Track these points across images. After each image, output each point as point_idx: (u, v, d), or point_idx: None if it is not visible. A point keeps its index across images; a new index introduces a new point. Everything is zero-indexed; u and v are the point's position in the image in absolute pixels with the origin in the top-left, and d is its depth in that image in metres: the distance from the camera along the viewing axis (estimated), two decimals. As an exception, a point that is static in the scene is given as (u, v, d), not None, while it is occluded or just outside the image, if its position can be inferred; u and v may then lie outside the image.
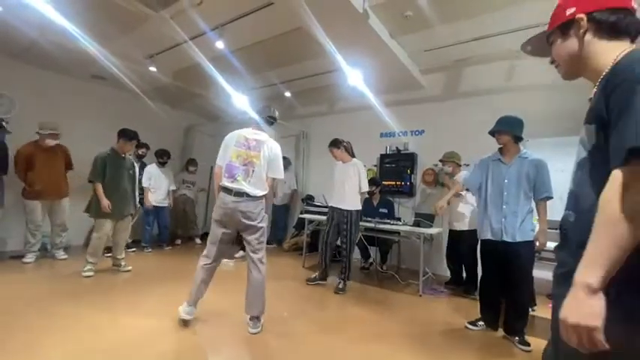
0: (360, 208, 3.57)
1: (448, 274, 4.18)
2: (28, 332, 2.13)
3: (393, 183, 5.02)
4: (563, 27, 0.84)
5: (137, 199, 4.10)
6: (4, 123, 3.96)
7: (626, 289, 0.67)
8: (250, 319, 2.38)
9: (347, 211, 3.49)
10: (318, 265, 3.75)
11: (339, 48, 3.61)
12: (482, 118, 4.14)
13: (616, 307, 0.66)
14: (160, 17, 3.40)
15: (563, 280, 0.76)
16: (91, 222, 3.84)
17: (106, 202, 3.50)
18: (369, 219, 4.02)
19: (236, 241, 5.12)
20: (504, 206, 2.41)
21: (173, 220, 5.63)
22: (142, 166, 4.90)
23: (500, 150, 2.57)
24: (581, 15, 0.79)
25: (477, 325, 2.64)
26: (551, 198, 2.38)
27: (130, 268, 3.77)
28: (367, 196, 4.59)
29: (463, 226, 3.64)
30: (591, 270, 0.66)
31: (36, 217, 3.96)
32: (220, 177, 2.41)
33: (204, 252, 2.42)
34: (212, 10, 3.20)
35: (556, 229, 3.07)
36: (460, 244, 3.68)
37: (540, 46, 0.95)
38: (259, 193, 2.39)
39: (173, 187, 5.31)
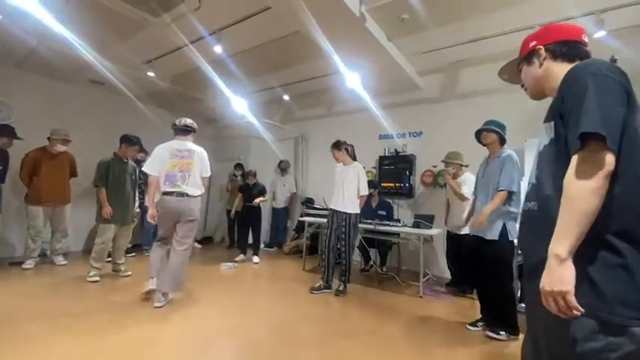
0: (358, 211, 3.53)
1: (448, 275, 4.19)
2: (29, 342, 2.13)
3: (392, 185, 5.03)
4: (528, 56, 1.05)
5: (137, 204, 4.11)
6: (15, 130, 3.98)
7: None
8: (162, 295, 2.79)
9: (346, 214, 3.46)
10: (322, 271, 3.66)
11: (336, 51, 3.64)
12: (479, 118, 4.11)
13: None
14: (159, 23, 3.42)
15: (535, 271, 0.84)
16: (89, 228, 3.84)
17: (108, 209, 3.53)
18: (369, 221, 4.03)
19: (237, 245, 5.18)
20: (478, 202, 2.56)
21: None
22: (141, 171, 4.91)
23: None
24: (540, 46, 1.01)
25: (477, 326, 2.65)
26: (509, 192, 2.38)
27: (129, 273, 3.77)
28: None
29: (467, 229, 3.63)
30: (559, 242, 0.77)
31: (38, 222, 3.96)
32: (157, 185, 2.91)
33: (158, 236, 2.99)
34: (210, 14, 3.22)
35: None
36: (462, 247, 3.66)
37: (513, 74, 1.16)
38: (197, 192, 2.97)
39: None
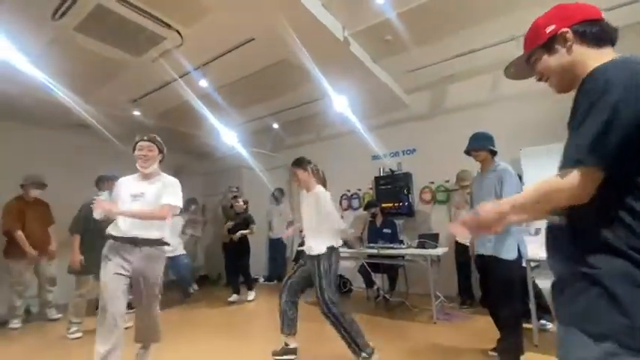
0: (327, 245, 2.49)
1: (458, 293, 4.00)
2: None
3: (391, 205, 4.90)
4: (548, 43, 0.89)
5: None
6: None
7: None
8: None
9: (310, 257, 2.53)
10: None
11: (323, 76, 3.62)
12: (471, 130, 4.11)
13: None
14: (141, 62, 3.38)
15: (558, 291, 0.83)
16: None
17: (76, 259, 3.17)
18: (372, 245, 3.86)
19: (227, 283, 4.80)
20: None
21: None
22: None
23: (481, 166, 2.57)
24: (566, 29, 0.84)
25: (499, 351, 2.44)
26: None
27: (129, 324, 3.46)
28: (371, 218, 4.46)
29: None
30: (508, 203, 0.87)
31: (24, 277, 3.71)
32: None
33: None
34: (193, 50, 3.19)
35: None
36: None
37: (521, 68, 1.00)
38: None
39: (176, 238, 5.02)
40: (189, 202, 5.68)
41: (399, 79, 4.27)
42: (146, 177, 2.17)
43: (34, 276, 3.86)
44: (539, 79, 0.96)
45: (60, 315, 3.88)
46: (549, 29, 0.87)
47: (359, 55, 3.39)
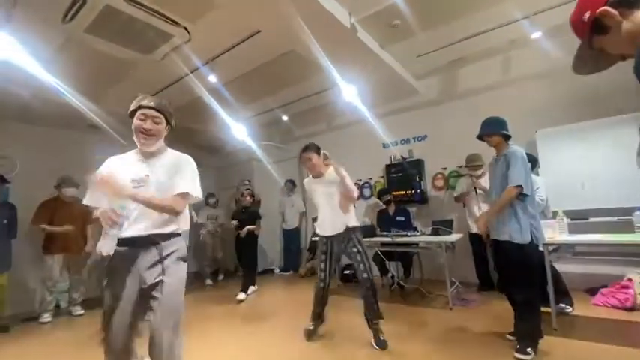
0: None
1: (474, 279, 3.99)
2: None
3: (403, 192, 4.88)
4: (595, 29, 0.85)
5: None
6: (5, 176, 3.93)
7: None
8: None
9: (350, 229, 2.65)
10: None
11: (331, 65, 3.58)
12: (484, 115, 4.05)
13: None
14: (151, 60, 3.42)
15: None
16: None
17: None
18: (385, 233, 3.87)
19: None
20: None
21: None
22: None
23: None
24: (602, 7, 0.81)
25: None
26: (519, 188, 2.20)
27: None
28: (384, 206, 4.47)
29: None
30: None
31: (54, 273, 3.88)
32: None
33: None
34: (201, 45, 3.21)
35: (582, 219, 2.90)
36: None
37: (591, 60, 0.92)
38: None
39: (187, 227, 5.14)
40: (208, 196, 5.78)
41: (408, 65, 4.19)
42: (149, 156, 1.60)
43: (66, 272, 4.04)
44: (623, 59, 0.89)
45: (83, 311, 4.04)
46: (586, 16, 0.84)
47: (367, 41, 3.33)
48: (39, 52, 2.95)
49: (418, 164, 4.83)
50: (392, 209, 4.44)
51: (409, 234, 3.78)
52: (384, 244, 3.93)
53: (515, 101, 3.95)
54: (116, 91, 4.00)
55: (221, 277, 5.80)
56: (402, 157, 5.03)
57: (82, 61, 3.32)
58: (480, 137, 2.50)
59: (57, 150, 4.94)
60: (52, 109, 4.18)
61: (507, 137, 2.41)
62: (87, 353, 2.78)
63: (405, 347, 2.50)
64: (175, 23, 2.88)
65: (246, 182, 5.85)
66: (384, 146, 5.22)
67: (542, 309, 2.33)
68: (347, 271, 4.82)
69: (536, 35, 3.40)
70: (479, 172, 3.77)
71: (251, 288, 4.51)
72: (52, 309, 3.92)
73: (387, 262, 4.27)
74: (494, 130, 2.41)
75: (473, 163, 3.78)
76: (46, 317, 3.82)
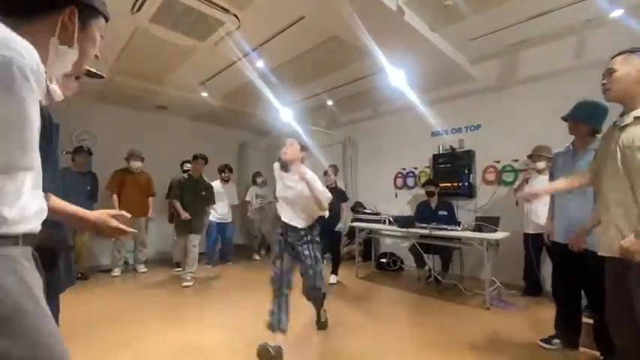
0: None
1: (521, 282, 3.73)
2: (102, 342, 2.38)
3: (450, 184, 4.65)
4: None
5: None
6: (89, 148, 4.61)
7: None
8: None
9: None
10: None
11: (377, 49, 3.49)
12: (549, 105, 3.65)
13: None
14: (206, 46, 3.66)
15: None
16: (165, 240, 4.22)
17: (184, 215, 4.03)
18: (424, 225, 3.76)
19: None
20: (574, 204, 2.09)
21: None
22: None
23: (573, 141, 2.21)
24: None
25: (551, 343, 2.27)
26: None
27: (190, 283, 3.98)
28: (427, 197, 4.31)
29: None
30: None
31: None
32: None
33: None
34: (250, 32, 3.35)
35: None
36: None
37: None
38: None
39: (235, 202, 5.59)
40: (255, 175, 6.15)
41: (462, 49, 3.89)
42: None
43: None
44: None
45: (146, 269, 4.70)
46: None
47: (415, 24, 3.17)
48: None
49: (469, 155, 4.55)
50: (434, 202, 4.27)
51: (449, 228, 3.63)
52: (421, 236, 3.83)
53: (588, 89, 3.44)
54: (176, 75, 4.38)
55: (263, 252, 6.19)
56: (450, 146, 4.77)
57: (149, 48, 3.68)
58: (565, 119, 2.20)
59: (129, 127, 5.61)
60: (127, 91, 4.74)
61: (595, 131, 2.08)
62: (145, 302, 3.25)
63: (435, 340, 2.48)
64: (226, 10, 3.04)
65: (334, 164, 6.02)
66: (433, 134, 4.99)
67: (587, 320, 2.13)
68: (382, 260, 4.81)
69: (616, 13, 2.93)
70: (541, 165, 3.42)
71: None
72: (122, 265, 4.59)
73: (424, 254, 4.16)
74: (584, 119, 2.08)
75: (540, 152, 3.41)
76: (116, 272, 4.49)
